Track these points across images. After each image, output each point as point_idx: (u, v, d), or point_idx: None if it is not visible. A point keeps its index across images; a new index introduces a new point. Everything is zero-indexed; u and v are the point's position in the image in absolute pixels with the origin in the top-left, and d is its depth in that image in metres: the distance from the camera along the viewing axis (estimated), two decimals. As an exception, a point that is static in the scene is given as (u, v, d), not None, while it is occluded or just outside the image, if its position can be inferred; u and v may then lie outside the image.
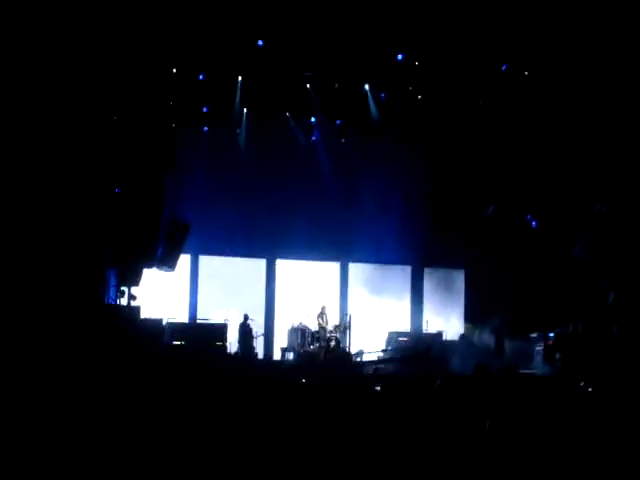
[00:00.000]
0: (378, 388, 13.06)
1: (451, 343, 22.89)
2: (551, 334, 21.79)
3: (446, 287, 25.86)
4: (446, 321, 24.70)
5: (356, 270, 25.48)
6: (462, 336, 23.94)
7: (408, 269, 26.01)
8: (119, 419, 8.79)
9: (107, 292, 17.50)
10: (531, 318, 22.77)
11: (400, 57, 21.19)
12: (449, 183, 24.92)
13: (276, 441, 8.04)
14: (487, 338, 21.94)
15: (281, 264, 24.83)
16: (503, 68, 21.67)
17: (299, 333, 22.70)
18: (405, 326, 24.99)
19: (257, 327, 22.73)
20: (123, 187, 17.64)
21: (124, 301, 17.95)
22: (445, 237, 24.89)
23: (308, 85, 22.71)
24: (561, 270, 22.55)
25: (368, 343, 23.16)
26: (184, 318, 22.89)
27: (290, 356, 22.28)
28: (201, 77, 21.62)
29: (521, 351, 21.43)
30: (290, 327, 23.01)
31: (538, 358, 21.67)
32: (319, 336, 22.46)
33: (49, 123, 15.34)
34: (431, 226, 24.95)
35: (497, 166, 24.29)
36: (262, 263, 24.71)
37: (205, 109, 23.02)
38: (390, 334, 23.65)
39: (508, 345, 21.50)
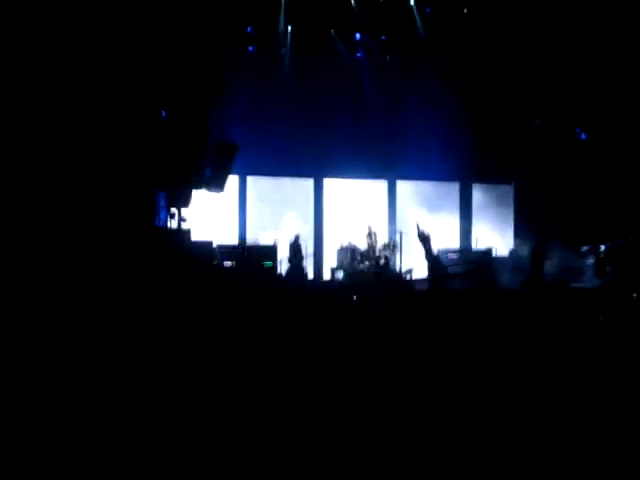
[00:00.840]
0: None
1: (501, 259, 22.86)
2: (602, 247, 21.68)
3: (496, 202, 25.78)
4: (497, 237, 24.59)
5: (404, 187, 25.41)
6: (512, 252, 23.91)
7: (456, 185, 25.89)
8: (175, 339, 8.90)
9: (157, 214, 17.57)
10: (582, 231, 22.62)
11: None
12: (495, 97, 24.69)
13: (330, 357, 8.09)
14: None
15: (329, 183, 24.83)
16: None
17: (348, 252, 22.73)
18: (455, 243, 24.97)
19: (307, 247, 22.82)
20: (170, 109, 17.60)
21: (174, 223, 18.03)
22: (493, 152, 24.74)
23: (352, 1, 22.46)
24: (611, 182, 22.34)
25: (418, 261, 23.14)
26: (234, 240, 23.04)
27: (340, 275, 22.35)
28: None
29: (572, 265, 21.35)
30: (339, 246, 23.05)
31: (589, 272, 21.60)
32: (368, 255, 22.48)
33: (92, 46, 15.30)
34: (478, 141, 24.76)
35: (543, 78, 23.97)
36: (310, 182, 24.73)
37: (249, 29, 22.89)
38: (440, 251, 23.60)
39: (557, 259, 21.37)
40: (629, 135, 21.88)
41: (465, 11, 22.84)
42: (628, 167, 21.55)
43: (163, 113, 17.86)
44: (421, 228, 21.53)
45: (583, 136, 24.11)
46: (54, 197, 14.51)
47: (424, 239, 21.40)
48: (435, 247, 23.62)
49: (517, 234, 25.30)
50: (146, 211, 16.89)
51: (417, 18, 23.13)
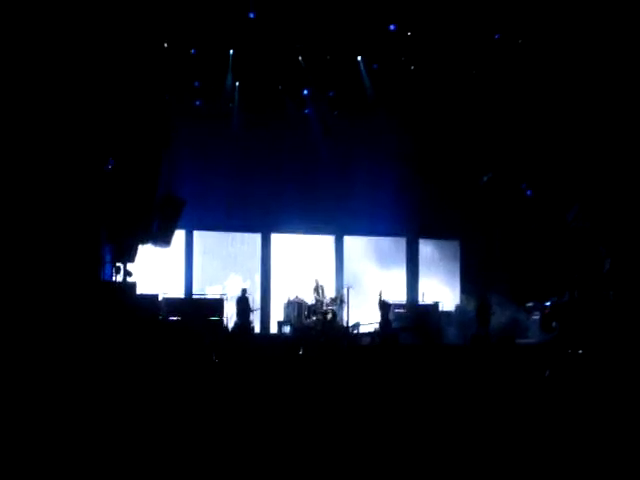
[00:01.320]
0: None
1: (447, 313, 22.97)
2: (547, 303, 21.86)
3: (441, 258, 25.97)
4: (444, 291, 24.71)
5: (353, 242, 25.50)
6: (458, 306, 24.04)
7: (403, 240, 26.03)
8: (121, 393, 8.80)
9: (103, 268, 17.45)
10: (528, 287, 22.83)
11: (392, 27, 21.09)
12: (443, 153, 24.94)
13: (278, 410, 8.06)
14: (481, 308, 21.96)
15: (276, 237, 24.83)
16: (496, 37, 21.58)
17: (296, 306, 22.71)
18: (402, 297, 25.05)
19: (254, 301, 22.76)
20: (117, 162, 17.54)
21: (120, 277, 17.91)
22: (440, 207, 24.95)
23: (300, 57, 22.63)
24: (557, 238, 22.59)
25: (365, 315, 23.17)
26: (180, 293, 22.93)
27: (287, 329, 22.30)
28: (193, 51, 21.54)
29: (517, 320, 21.50)
30: (286, 300, 23.03)
31: (535, 327, 21.76)
32: (315, 309, 22.47)
33: (40, 96, 15.25)
34: (425, 197, 24.99)
35: (491, 136, 24.31)
36: (257, 237, 24.71)
37: (197, 83, 22.97)
38: (386, 305, 23.66)
39: (503, 314, 21.50)
40: (573, 192, 22.21)
41: (412, 68, 23.07)
42: (574, 223, 21.85)
43: (110, 164, 17.78)
44: (382, 297, 21.71)
45: (529, 192, 24.39)
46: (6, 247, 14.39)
47: (383, 307, 21.55)
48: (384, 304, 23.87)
49: (464, 289, 25.45)
50: (92, 265, 16.75)
51: (364, 74, 23.31)
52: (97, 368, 10.83)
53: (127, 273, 18.06)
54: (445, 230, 25.59)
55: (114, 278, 17.94)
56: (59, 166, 15.51)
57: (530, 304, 22.29)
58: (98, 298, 15.67)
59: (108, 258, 17.85)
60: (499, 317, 21.16)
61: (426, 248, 26.18)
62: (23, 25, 14.88)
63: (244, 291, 22.12)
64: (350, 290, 22.64)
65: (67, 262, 15.29)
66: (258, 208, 24.08)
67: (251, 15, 20.07)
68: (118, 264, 17.98)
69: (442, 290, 24.89)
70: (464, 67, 22.94)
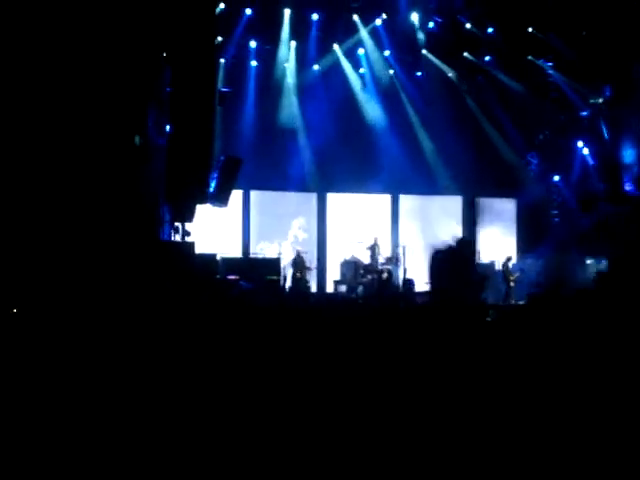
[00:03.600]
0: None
1: (516, 271, 22.95)
2: (604, 260, 21.79)
3: (498, 216, 25.91)
4: (499, 250, 24.65)
5: (407, 202, 25.53)
6: (515, 265, 24.01)
7: (459, 199, 25.99)
8: (179, 351, 8.97)
9: (162, 228, 17.67)
10: (584, 245, 22.72)
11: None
12: (499, 113, 24.85)
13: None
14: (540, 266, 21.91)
15: (332, 197, 24.92)
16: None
17: (351, 266, 22.83)
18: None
19: (310, 260, 22.92)
20: (174, 124, 17.73)
21: (178, 237, 18.13)
22: (496, 166, 24.87)
23: (356, 16, 22.58)
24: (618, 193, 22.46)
25: (421, 275, 23.22)
26: (237, 253, 23.15)
27: (343, 289, 22.44)
28: (249, 12, 21.59)
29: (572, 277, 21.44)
30: (342, 260, 23.15)
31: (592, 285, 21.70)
32: (371, 269, 22.57)
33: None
34: (481, 155, 24.90)
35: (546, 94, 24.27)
36: (313, 197, 24.82)
37: (254, 43, 23.05)
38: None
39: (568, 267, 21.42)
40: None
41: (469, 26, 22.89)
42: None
43: (169, 127, 17.99)
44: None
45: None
46: (66, 211, 14.64)
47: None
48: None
49: (520, 248, 25.44)
50: (151, 225, 17.00)
51: (420, 33, 23.18)
52: (156, 327, 11.03)
53: (185, 233, 18.28)
54: (502, 189, 25.50)
55: (173, 238, 18.17)
56: (119, 129, 15.74)
57: (589, 261, 22.22)
58: (157, 257, 15.90)
59: (167, 218, 18.07)
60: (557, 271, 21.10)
61: (482, 207, 26.11)
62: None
63: (299, 252, 22.31)
64: (406, 249, 22.72)
65: (127, 221, 15.53)
66: (314, 167, 24.15)
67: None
68: (176, 224, 18.20)
69: (499, 249, 24.82)
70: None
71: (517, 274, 22.57)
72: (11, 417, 6.65)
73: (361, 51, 24.08)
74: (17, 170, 14.41)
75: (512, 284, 22.34)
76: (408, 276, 22.28)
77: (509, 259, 23.18)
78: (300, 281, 21.77)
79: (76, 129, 15.13)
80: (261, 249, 23.37)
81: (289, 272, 21.99)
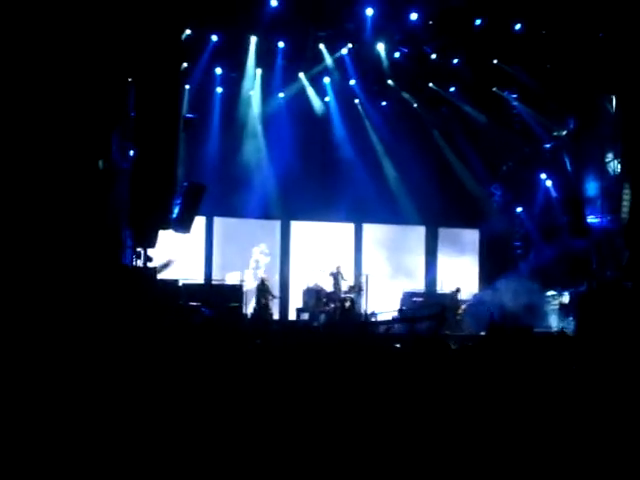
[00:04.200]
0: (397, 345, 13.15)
1: (465, 302, 23.05)
2: (566, 292, 21.91)
3: (461, 247, 26.02)
4: (460, 281, 24.70)
5: (371, 230, 25.58)
6: (475, 296, 24.09)
7: (422, 229, 26.08)
8: (140, 376, 8.87)
9: (124, 253, 17.58)
10: (546, 277, 22.84)
11: (415, 17, 20.95)
12: (463, 144, 25.02)
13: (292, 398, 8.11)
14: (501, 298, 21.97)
15: (295, 225, 24.91)
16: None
17: (314, 294, 22.81)
18: (420, 286, 25.13)
19: (273, 288, 22.85)
20: (138, 149, 17.67)
21: (140, 262, 18.03)
22: (459, 197, 24.98)
23: (322, 45, 22.61)
24: (576, 230, 22.60)
25: (384, 303, 23.26)
26: (200, 279, 23.03)
27: (305, 316, 22.40)
28: (215, 38, 21.57)
29: (535, 310, 21.52)
30: (305, 288, 23.13)
31: (553, 316, 21.81)
32: (334, 297, 22.55)
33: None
34: (445, 185, 25.03)
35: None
36: (277, 224, 24.79)
37: (220, 70, 23.03)
38: (405, 294, 23.79)
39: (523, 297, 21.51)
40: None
41: (433, 57, 23.01)
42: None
43: (133, 152, 17.92)
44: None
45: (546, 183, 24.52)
46: (27, 233, 14.52)
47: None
48: (401, 288, 23.98)
49: (481, 278, 25.55)
50: (113, 249, 16.89)
51: (385, 62, 23.24)
52: (118, 352, 10.92)
53: (147, 258, 18.18)
54: (465, 219, 25.62)
55: (135, 263, 18.06)
56: (83, 153, 15.66)
57: (550, 293, 22.34)
58: (119, 281, 15.80)
59: (129, 243, 17.97)
60: (517, 302, 21.19)
61: (445, 237, 26.23)
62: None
63: (263, 279, 22.27)
64: (369, 278, 22.77)
65: (89, 245, 15.42)
66: (278, 195, 24.13)
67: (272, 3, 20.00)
68: (139, 249, 18.10)
69: (461, 279, 24.89)
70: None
71: (464, 306, 22.72)
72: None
73: (326, 80, 24.12)
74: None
75: (458, 317, 22.43)
76: (370, 307, 22.37)
77: (458, 290, 23.29)
78: (263, 308, 21.70)
79: (40, 152, 15.03)
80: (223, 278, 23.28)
81: (252, 299, 21.93)
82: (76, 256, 14.89)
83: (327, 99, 24.70)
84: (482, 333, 19.88)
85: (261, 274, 23.01)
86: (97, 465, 6.17)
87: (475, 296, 24.09)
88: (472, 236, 26.37)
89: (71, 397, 7.92)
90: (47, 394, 7.89)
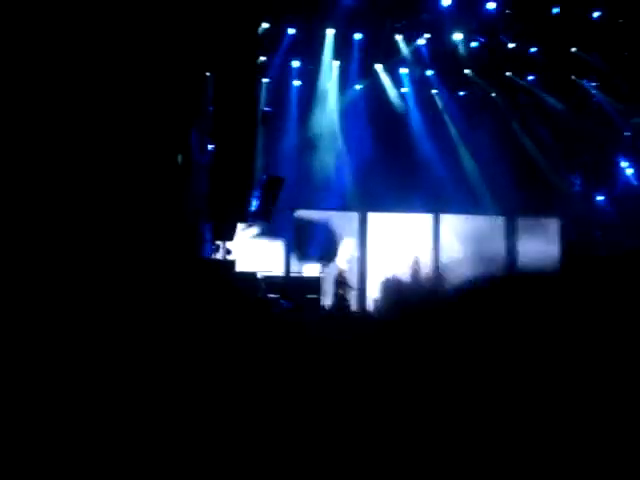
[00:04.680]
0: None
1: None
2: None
3: (540, 236, 25.78)
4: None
5: (448, 221, 25.49)
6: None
7: (501, 219, 25.92)
8: (216, 372, 9.00)
9: (203, 247, 17.79)
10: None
11: (492, 6, 20.84)
12: (542, 132, 24.84)
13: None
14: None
15: (373, 216, 24.93)
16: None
17: (393, 285, 22.80)
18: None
19: (351, 280, 22.92)
20: (217, 143, 17.87)
21: (219, 256, 18.23)
22: (538, 186, 24.79)
23: (399, 36, 22.60)
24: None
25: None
26: (279, 272, 23.20)
27: (384, 307, 22.40)
28: (292, 31, 21.70)
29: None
30: (383, 279, 23.13)
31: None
32: (413, 288, 22.53)
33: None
34: (524, 175, 24.84)
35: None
36: (355, 216, 24.86)
37: (297, 63, 23.18)
38: (484, 285, 23.68)
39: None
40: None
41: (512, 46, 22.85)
42: None
43: (211, 146, 18.12)
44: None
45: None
46: (108, 230, 14.79)
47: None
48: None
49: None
50: (192, 243, 17.12)
51: (463, 52, 23.15)
52: (197, 344, 11.09)
53: (227, 251, 18.37)
54: (544, 208, 25.40)
55: (214, 256, 18.26)
56: (162, 148, 15.90)
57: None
58: (198, 275, 16.01)
59: (208, 237, 18.17)
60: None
61: (524, 227, 26.03)
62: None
63: (341, 271, 22.35)
64: (447, 269, 22.73)
65: (168, 240, 15.65)
66: (356, 187, 24.19)
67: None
68: (218, 242, 18.30)
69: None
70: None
71: None
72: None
73: (403, 71, 24.11)
74: (60, 188, 14.59)
75: None
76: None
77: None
78: (340, 300, 21.79)
79: (120, 147, 15.31)
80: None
81: (330, 291, 22.02)
82: (155, 251, 15.13)
83: (404, 90, 24.70)
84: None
85: (341, 266, 23.08)
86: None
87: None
88: (552, 225, 26.12)
89: (151, 390, 8.08)
90: (127, 388, 8.06)
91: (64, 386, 8.19)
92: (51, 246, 14.28)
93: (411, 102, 24.74)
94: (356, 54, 22.80)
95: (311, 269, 22.96)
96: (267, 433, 6.96)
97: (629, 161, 24.07)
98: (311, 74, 23.54)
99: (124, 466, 6.14)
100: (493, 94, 24.98)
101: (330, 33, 22.18)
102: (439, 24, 21.73)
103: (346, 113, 24.25)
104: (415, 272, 22.81)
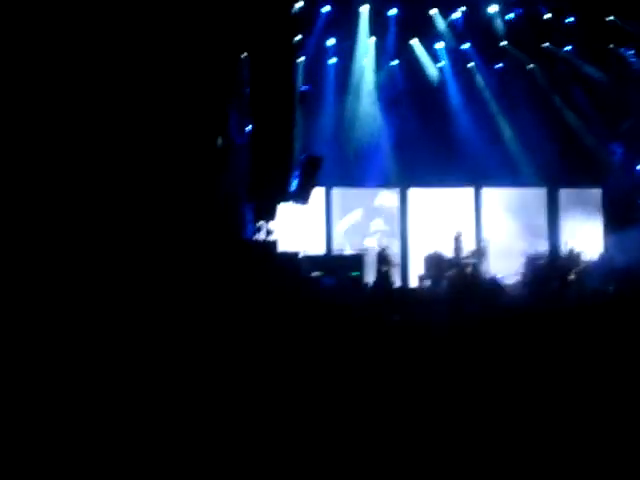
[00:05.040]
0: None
1: (591, 263, 22.72)
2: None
3: (583, 206, 25.61)
4: (585, 241, 24.35)
5: (491, 194, 25.36)
6: (602, 255, 23.72)
7: (543, 190, 25.75)
8: (268, 348, 9.07)
9: (245, 227, 17.89)
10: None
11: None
12: (582, 102, 24.62)
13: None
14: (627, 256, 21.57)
15: (413, 192, 24.85)
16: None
17: (435, 261, 22.77)
18: (543, 248, 24.87)
19: (393, 256, 22.89)
20: (255, 124, 17.92)
21: (261, 236, 18.30)
22: (580, 156, 24.60)
23: (434, 10, 22.49)
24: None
25: (506, 267, 23.13)
26: (321, 250, 23.23)
27: (428, 283, 22.40)
28: (327, 9, 21.67)
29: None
30: (426, 255, 23.08)
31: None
32: (456, 262, 22.49)
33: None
34: (565, 145, 24.66)
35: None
36: (395, 192, 24.79)
37: (332, 41, 23.14)
38: (527, 257, 23.58)
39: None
40: None
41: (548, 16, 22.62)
42: None
43: (249, 127, 18.19)
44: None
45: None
46: (153, 212, 14.93)
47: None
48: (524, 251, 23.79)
49: (606, 238, 25.13)
50: (234, 224, 17.23)
51: (500, 25, 23.00)
52: (241, 324, 11.19)
53: (268, 231, 18.44)
54: (586, 178, 25.20)
55: (256, 236, 18.34)
56: (202, 130, 16.01)
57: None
58: (242, 256, 16.12)
59: (249, 217, 18.25)
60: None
61: (567, 197, 25.86)
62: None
63: (384, 247, 22.32)
64: (489, 243, 22.69)
65: (211, 222, 15.78)
66: (395, 163, 24.13)
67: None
68: (259, 223, 18.37)
69: (585, 240, 24.55)
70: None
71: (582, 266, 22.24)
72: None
73: (440, 45, 23.99)
74: (105, 171, 14.75)
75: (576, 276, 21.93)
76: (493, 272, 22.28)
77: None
78: (384, 277, 21.76)
79: (161, 132, 15.43)
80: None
81: (373, 268, 21.98)
82: (198, 232, 15.25)
83: (441, 64, 24.57)
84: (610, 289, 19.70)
85: (381, 242, 23.03)
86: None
87: (601, 255, 23.72)
88: (595, 195, 25.92)
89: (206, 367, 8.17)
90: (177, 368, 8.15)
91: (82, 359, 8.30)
92: (99, 219, 14.44)
93: (449, 76, 24.60)
94: (392, 30, 22.71)
95: (353, 247, 22.91)
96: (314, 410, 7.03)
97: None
98: (347, 52, 23.45)
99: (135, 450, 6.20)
100: (531, 65, 24.78)
101: (365, 10, 22.11)
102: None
103: (384, 89, 24.14)
104: (458, 248, 22.72)
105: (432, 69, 24.38)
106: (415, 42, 23.82)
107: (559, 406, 7.03)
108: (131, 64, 15.32)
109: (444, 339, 10.06)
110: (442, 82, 24.60)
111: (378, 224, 23.76)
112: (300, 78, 21.66)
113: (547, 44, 24.06)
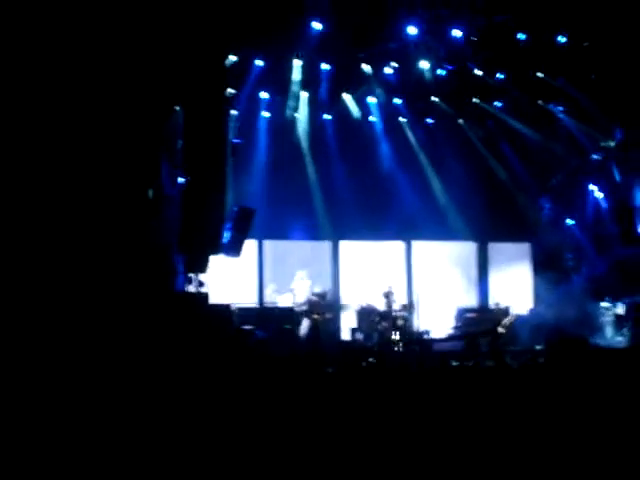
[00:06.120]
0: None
1: (520, 317, 22.92)
2: (620, 303, 21.70)
3: (512, 261, 25.93)
4: (513, 296, 24.63)
5: (422, 247, 25.56)
6: (531, 310, 23.96)
7: (472, 244, 26.01)
8: (193, 402, 8.96)
9: (176, 279, 17.74)
10: (600, 288, 22.69)
11: (458, 34, 20.92)
12: (511, 158, 25.01)
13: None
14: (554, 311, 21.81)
15: (345, 245, 24.95)
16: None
17: (367, 313, 22.81)
18: (472, 302, 25.09)
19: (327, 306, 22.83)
20: (187, 176, 17.86)
21: (192, 288, 18.17)
22: (509, 211, 24.92)
23: (366, 65, 22.70)
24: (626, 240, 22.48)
25: (436, 321, 23.26)
26: (253, 302, 23.12)
27: (360, 336, 22.42)
28: (260, 63, 21.75)
29: (589, 322, 21.34)
30: (358, 307, 23.12)
31: (608, 328, 21.61)
32: (387, 315, 22.54)
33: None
34: (494, 200, 24.99)
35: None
36: (327, 245, 24.85)
37: (265, 94, 23.25)
38: (458, 310, 23.76)
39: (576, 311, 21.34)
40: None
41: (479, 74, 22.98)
42: None
43: (182, 179, 18.11)
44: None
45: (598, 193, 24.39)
46: (79, 264, 14.73)
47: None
48: (454, 305, 23.95)
49: (535, 292, 25.42)
50: (165, 276, 17.07)
51: (430, 81, 23.27)
52: (171, 376, 11.05)
53: (200, 283, 18.33)
54: (515, 233, 25.51)
55: (187, 288, 18.21)
56: (133, 182, 15.90)
57: (605, 304, 22.14)
58: (171, 308, 15.96)
59: (181, 269, 18.12)
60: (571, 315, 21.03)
61: (496, 252, 26.16)
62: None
63: (312, 295, 22.28)
64: (420, 296, 22.79)
65: (141, 273, 15.61)
66: (327, 216, 24.21)
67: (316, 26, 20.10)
68: (190, 274, 18.25)
69: (513, 293, 24.84)
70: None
71: (509, 319, 22.42)
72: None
73: (371, 99, 24.23)
74: (31, 221, 14.55)
75: (504, 329, 22.06)
76: (423, 325, 22.36)
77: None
78: (315, 329, 21.64)
79: (91, 183, 15.28)
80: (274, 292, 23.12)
81: (304, 319, 21.88)
82: (128, 284, 15.07)
83: (372, 118, 24.80)
84: (537, 347, 19.84)
85: (313, 294, 22.94)
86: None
87: (530, 310, 23.98)
88: (523, 250, 26.26)
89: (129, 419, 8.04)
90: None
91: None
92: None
93: (380, 130, 24.83)
94: (324, 84, 22.87)
95: (285, 299, 22.83)
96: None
97: (597, 184, 24.24)
98: (279, 105, 23.55)
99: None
100: (461, 120, 25.15)
101: (297, 64, 22.24)
102: (406, 53, 21.84)
103: (316, 143, 24.26)
104: (388, 300, 22.77)
105: (363, 123, 24.58)
106: (347, 97, 24.02)
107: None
108: (63, 113, 15.20)
109: (376, 391, 10.03)
110: (373, 136, 24.80)
111: (308, 276, 23.64)
112: (233, 131, 21.66)
113: (477, 99, 24.43)
